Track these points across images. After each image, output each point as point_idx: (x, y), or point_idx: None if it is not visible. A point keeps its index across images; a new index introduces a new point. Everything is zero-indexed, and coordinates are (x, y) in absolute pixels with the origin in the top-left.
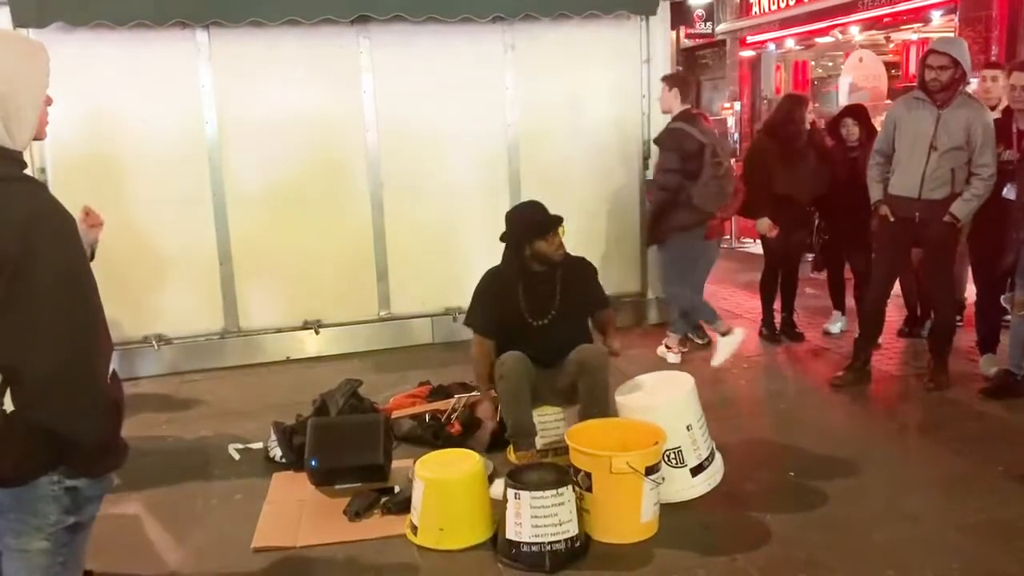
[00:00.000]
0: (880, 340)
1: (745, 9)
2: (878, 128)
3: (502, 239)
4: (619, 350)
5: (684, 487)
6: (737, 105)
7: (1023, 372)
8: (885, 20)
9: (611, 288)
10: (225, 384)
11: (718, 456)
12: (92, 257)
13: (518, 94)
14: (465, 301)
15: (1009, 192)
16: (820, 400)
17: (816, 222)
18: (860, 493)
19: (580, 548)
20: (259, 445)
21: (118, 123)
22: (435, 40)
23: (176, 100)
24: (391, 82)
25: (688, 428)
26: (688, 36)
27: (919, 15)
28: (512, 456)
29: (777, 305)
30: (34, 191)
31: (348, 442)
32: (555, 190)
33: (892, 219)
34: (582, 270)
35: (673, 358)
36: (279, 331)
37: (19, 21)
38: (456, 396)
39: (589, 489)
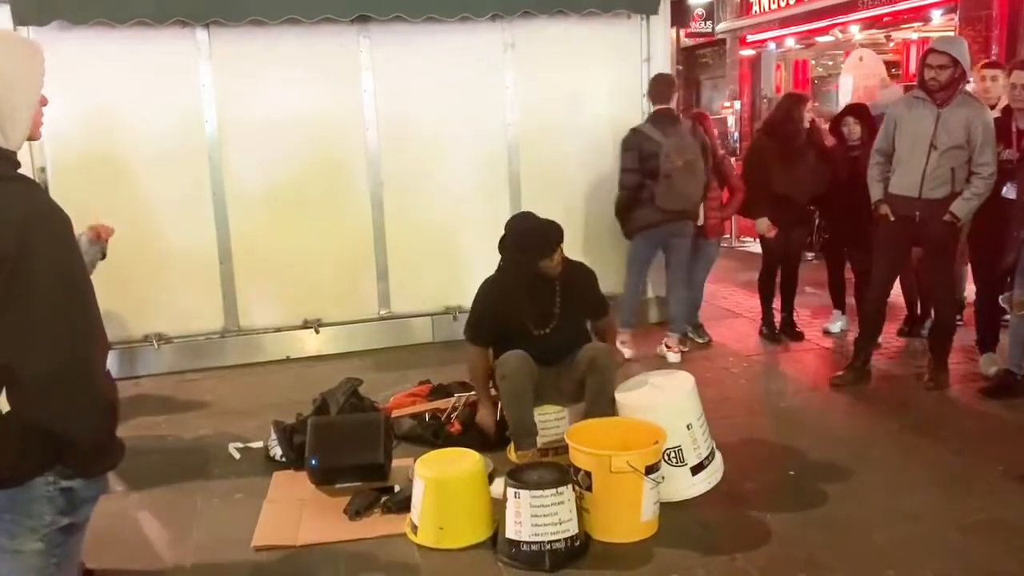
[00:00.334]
0: (880, 339)
1: (745, 8)
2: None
3: (500, 248)
4: (620, 362)
5: (684, 486)
6: (737, 104)
7: (1023, 371)
8: (885, 19)
9: (611, 288)
10: (225, 383)
11: (718, 455)
12: (103, 257)
13: (518, 93)
14: (465, 300)
15: (1009, 191)
16: (820, 399)
17: (817, 221)
18: (860, 492)
19: (580, 547)
20: (259, 444)
21: (118, 122)
22: (435, 39)
23: (176, 99)
24: (391, 81)
25: (688, 427)
26: (688, 35)
27: (919, 14)
28: (512, 455)
29: (777, 304)
30: (30, 191)
31: (348, 441)
32: (555, 189)
33: (892, 218)
34: (581, 276)
35: (673, 357)
36: (279, 330)
37: (19, 19)
38: (456, 395)
39: (589, 488)
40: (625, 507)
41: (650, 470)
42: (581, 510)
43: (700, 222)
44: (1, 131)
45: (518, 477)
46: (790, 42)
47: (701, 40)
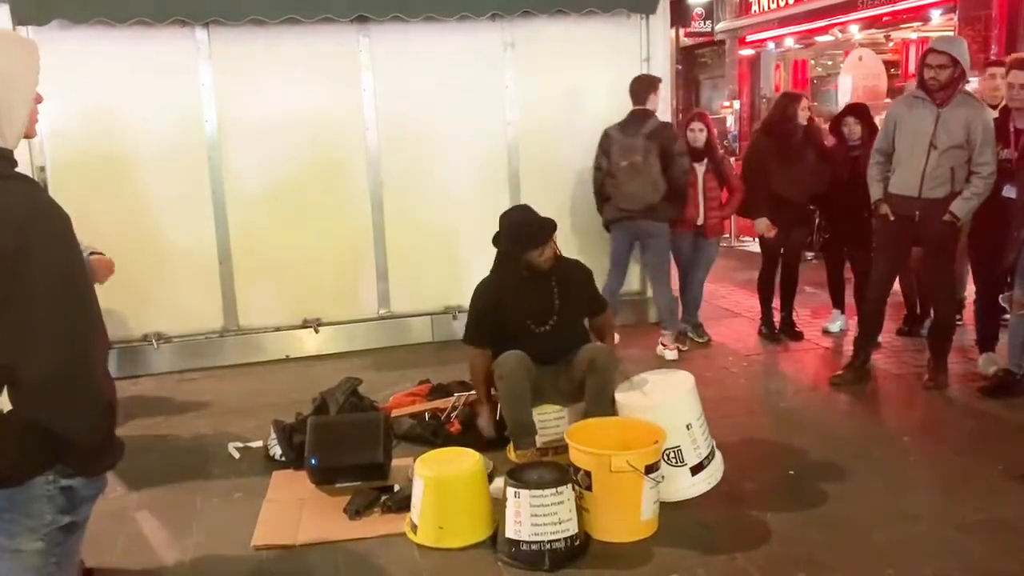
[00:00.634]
0: (880, 339)
1: (744, 8)
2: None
3: (494, 241)
4: (618, 359)
5: (684, 486)
6: (736, 104)
7: (1022, 371)
8: (884, 19)
9: None
10: (225, 383)
11: (718, 455)
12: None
13: (517, 93)
14: (465, 300)
15: (1008, 191)
16: (820, 399)
17: (817, 221)
18: (860, 492)
19: (580, 547)
20: (259, 444)
21: (118, 121)
22: (435, 38)
23: (176, 98)
24: (391, 81)
25: (688, 427)
26: (687, 35)
27: (919, 14)
28: (512, 455)
29: (776, 304)
30: (29, 189)
31: (348, 441)
32: (555, 189)
33: (892, 218)
34: (578, 274)
35: (671, 355)
36: (279, 330)
37: (19, 18)
38: (456, 394)
39: (589, 488)
40: (625, 507)
41: (650, 470)
42: (581, 510)
43: (700, 222)
44: None
45: (518, 476)
46: (789, 42)
47: (700, 40)
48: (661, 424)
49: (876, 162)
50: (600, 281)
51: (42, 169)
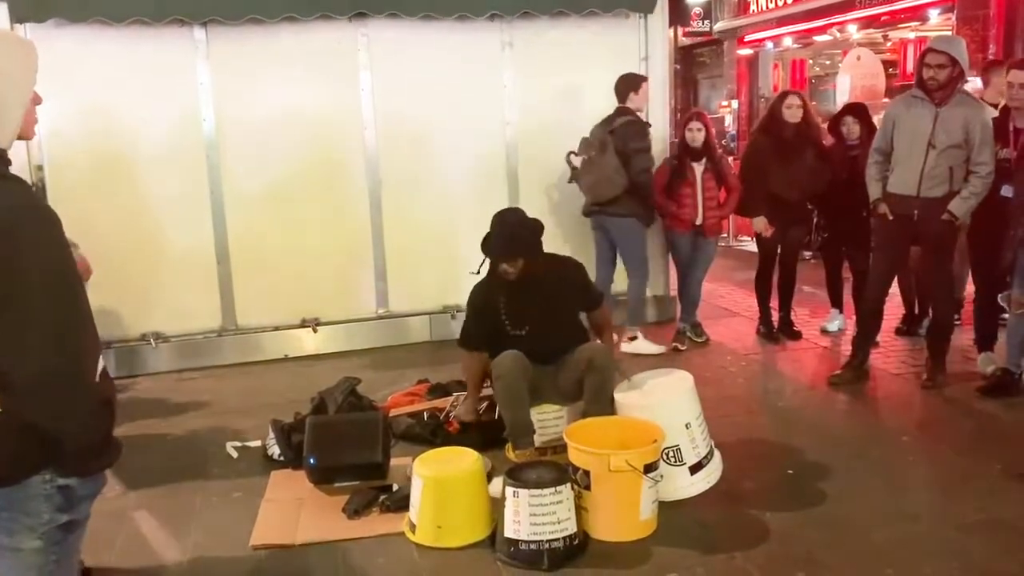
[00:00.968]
0: (878, 338)
1: (743, 7)
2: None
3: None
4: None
5: (683, 485)
6: (735, 103)
7: (1021, 370)
8: (883, 18)
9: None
10: (223, 382)
11: (717, 454)
12: None
13: (516, 92)
14: (463, 299)
15: (1006, 190)
16: (818, 398)
17: (815, 220)
18: (858, 491)
19: (578, 546)
20: (257, 443)
21: (116, 120)
22: (434, 38)
23: (174, 97)
24: (389, 80)
25: (687, 426)
26: (686, 34)
27: (917, 13)
28: (511, 454)
29: (775, 303)
30: (20, 190)
31: (346, 440)
32: (553, 188)
33: (891, 217)
34: (565, 272)
35: (648, 347)
36: (277, 329)
37: (17, 16)
38: (455, 394)
39: (588, 487)
40: (624, 506)
41: (649, 469)
42: (580, 509)
43: (698, 221)
44: None
45: (517, 476)
46: (788, 41)
47: (699, 39)
48: (660, 423)
49: (875, 161)
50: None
51: (40, 168)
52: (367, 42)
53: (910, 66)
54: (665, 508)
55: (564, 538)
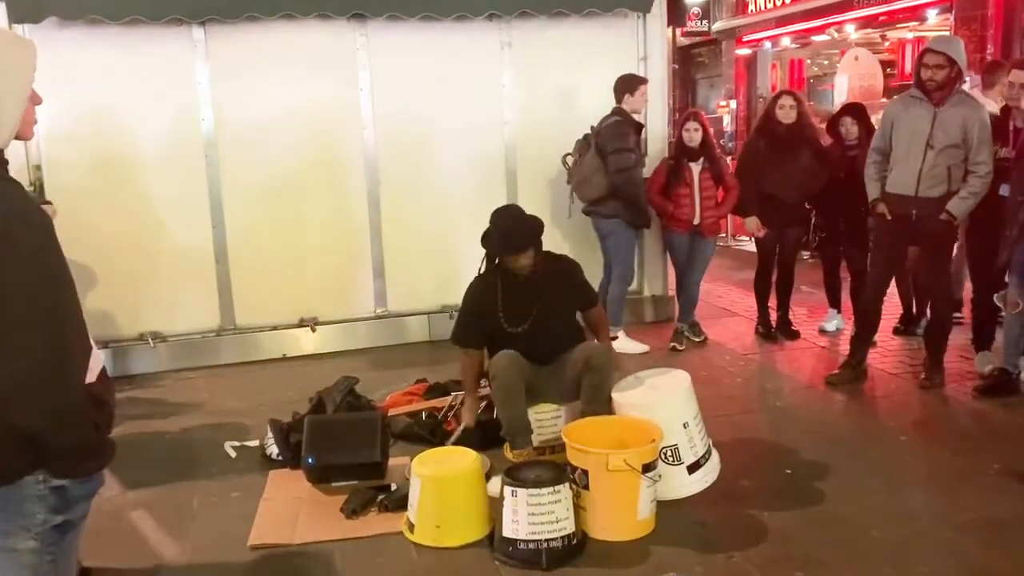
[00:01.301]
0: (876, 338)
1: (741, 7)
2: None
3: (482, 242)
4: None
5: (681, 484)
6: (733, 103)
7: (1018, 370)
8: (881, 18)
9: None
10: (221, 382)
11: (715, 453)
12: None
13: (515, 92)
14: (461, 299)
15: (1004, 190)
16: (816, 398)
17: (813, 220)
18: (856, 490)
19: (577, 545)
20: (256, 443)
21: (113, 120)
22: (432, 37)
23: (172, 97)
24: (388, 79)
25: (685, 426)
26: (684, 34)
27: (915, 13)
28: (509, 454)
29: (773, 303)
30: (15, 192)
31: (345, 440)
32: (552, 188)
33: (889, 217)
34: (562, 269)
35: (635, 347)
36: (275, 328)
37: (14, 15)
38: (453, 393)
39: (586, 487)
40: (622, 505)
41: (647, 468)
42: (578, 508)
43: (696, 221)
44: None
45: (515, 476)
46: (786, 41)
47: (697, 39)
48: (658, 423)
49: (873, 161)
50: (594, 281)
51: (38, 168)
52: (366, 42)
53: (908, 66)
54: (663, 507)
55: (562, 538)
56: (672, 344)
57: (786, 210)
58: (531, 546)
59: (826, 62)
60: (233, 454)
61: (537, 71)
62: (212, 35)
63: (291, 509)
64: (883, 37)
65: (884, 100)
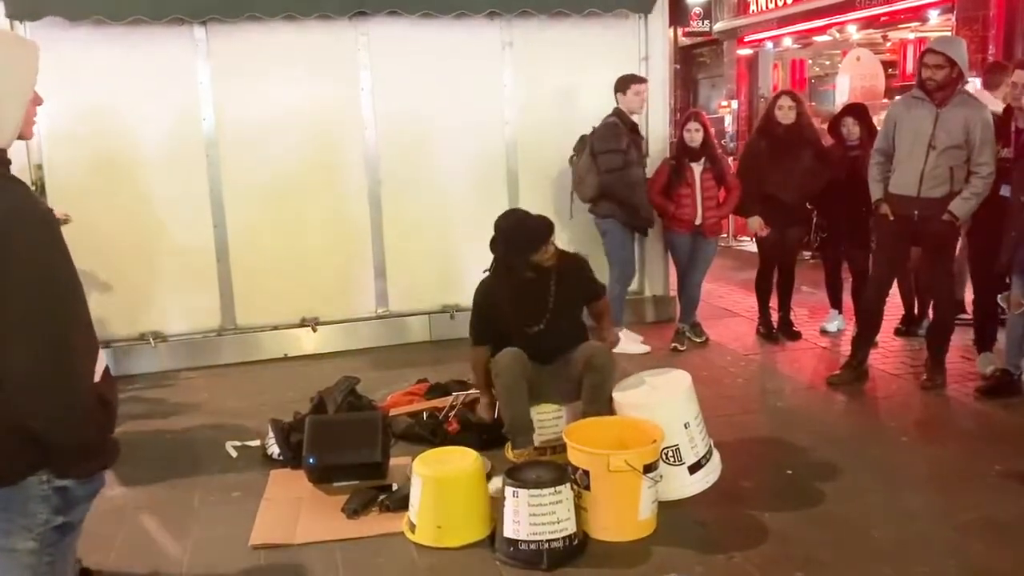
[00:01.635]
0: (877, 339)
1: (743, 7)
2: (878, 127)
3: (492, 248)
4: (615, 341)
5: (682, 485)
6: (735, 104)
7: (1020, 371)
8: (882, 19)
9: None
10: (222, 382)
11: (715, 454)
12: None
13: (516, 91)
14: (462, 299)
15: (1005, 190)
16: (817, 398)
17: (815, 220)
18: (857, 491)
19: (578, 546)
20: (257, 443)
21: (115, 119)
22: (433, 37)
23: (173, 97)
24: (389, 79)
25: (686, 426)
26: (686, 34)
27: (917, 14)
28: (510, 454)
29: (774, 303)
30: (15, 189)
31: (346, 440)
32: (553, 188)
33: (892, 218)
34: (574, 265)
35: (636, 347)
36: (276, 328)
37: (12, 14)
38: (454, 394)
39: (587, 487)
40: (623, 506)
41: (648, 469)
42: (579, 509)
43: (698, 221)
44: None
45: (516, 476)
46: (787, 41)
47: (699, 39)
48: (659, 423)
49: (876, 162)
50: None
51: (39, 167)
52: (367, 42)
53: (910, 67)
54: (664, 508)
55: (563, 538)
56: (673, 344)
57: (787, 210)
58: (532, 546)
59: (828, 62)
60: (234, 454)
61: (538, 71)
62: (213, 35)
63: (292, 509)
64: (885, 37)
65: (886, 101)
